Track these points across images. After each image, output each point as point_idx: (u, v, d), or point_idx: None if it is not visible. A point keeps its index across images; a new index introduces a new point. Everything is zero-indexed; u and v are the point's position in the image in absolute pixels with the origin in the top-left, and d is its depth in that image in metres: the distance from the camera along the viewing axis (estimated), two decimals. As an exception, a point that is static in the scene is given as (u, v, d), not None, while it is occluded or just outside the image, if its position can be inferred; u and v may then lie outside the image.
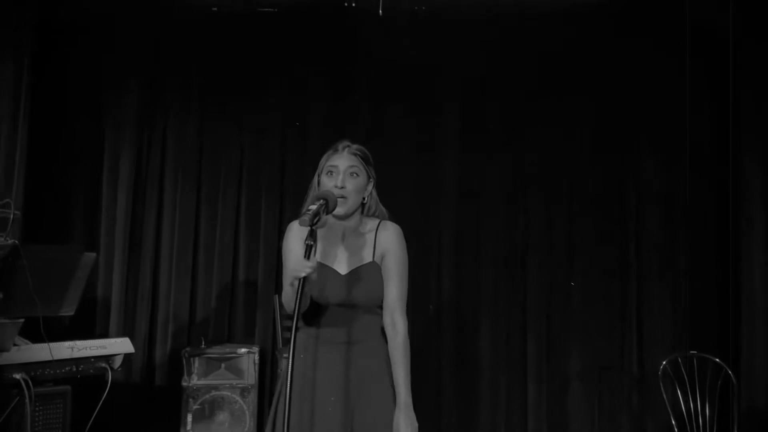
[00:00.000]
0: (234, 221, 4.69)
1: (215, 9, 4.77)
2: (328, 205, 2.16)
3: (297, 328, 1.91)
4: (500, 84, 4.77)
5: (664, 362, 3.79)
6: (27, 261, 2.69)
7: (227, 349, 4.35)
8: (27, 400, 2.86)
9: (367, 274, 2.28)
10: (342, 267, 2.29)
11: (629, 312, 4.59)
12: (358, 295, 2.25)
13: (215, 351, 4.32)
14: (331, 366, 2.24)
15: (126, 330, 4.50)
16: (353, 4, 4.66)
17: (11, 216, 2.91)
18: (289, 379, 1.87)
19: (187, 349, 4.31)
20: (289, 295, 2.16)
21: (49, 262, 2.80)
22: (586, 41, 4.71)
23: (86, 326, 4.43)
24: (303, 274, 2.01)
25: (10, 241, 2.63)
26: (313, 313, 2.27)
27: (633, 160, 4.73)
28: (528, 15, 4.59)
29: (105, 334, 4.42)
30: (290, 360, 1.82)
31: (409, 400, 2.22)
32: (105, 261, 4.54)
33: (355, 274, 2.27)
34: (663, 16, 4.54)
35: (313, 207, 2.08)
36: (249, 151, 4.76)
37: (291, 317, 2.26)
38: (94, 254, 2.92)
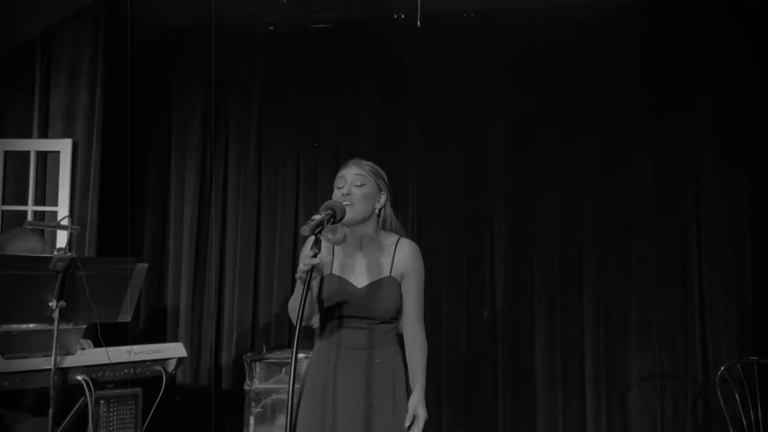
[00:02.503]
0: (292, 232, 4.85)
1: (272, 28, 5.00)
2: (335, 214, 2.21)
3: (300, 328, 1.98)
4: (548, 84, 4.73)
5: (722, 368, 3.64)
6: (84, 272, 2.90)
7: (287, 354, 4.47)
8: (89, 400, 3.09)
9: (384, 288, 2.37)
10: (359, 280, 2.39)
11: (692, 318, 4.41)
12: (376, 308, 2.35)
13: (275, 356, 4.46)
14: (352, 370, 2.35)
15: (193, 336, 4.78)
16: (402, 16, 4.77)
17: (70, 230, 3.19)
18: (291, 382, 1.95)
19: (249, 354, 4.49)
20: (295, 299, 2.27)
21: (104, 273, 3.00)
22: (644, 37, 4.63)
23: (159, 333, 4.75)
24: (305, 267, 2.11)
25: (69, 254, 2.84)
26: (332, 324, 2.39)
27: (694, 158, 4.55)
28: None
29: (175, 341, 4.68)
30: (293, 363, 1.89)
31: (424, 390, 2.36)
32: (173, 272, 4.86)
33: (372, 288, 2.36)
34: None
35: (318, 217, 2.13)
36: (305, 165, 4.93)
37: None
38: (146, 265, 3.10)
